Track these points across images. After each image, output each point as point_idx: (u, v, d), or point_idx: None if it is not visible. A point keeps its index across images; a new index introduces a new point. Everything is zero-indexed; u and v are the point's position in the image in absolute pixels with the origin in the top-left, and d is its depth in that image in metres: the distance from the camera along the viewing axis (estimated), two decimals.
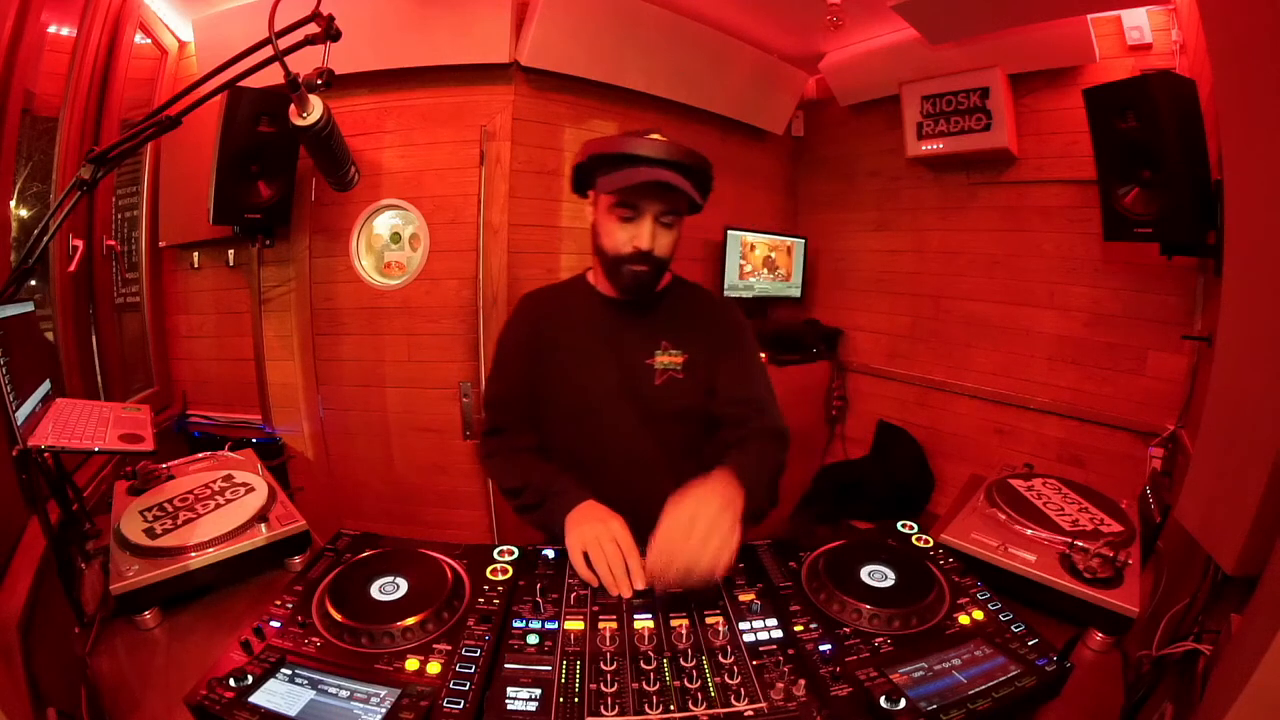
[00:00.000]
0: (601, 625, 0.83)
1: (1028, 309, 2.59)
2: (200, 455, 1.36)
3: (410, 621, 0.81)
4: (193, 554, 0.98)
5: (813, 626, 0.83)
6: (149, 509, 1.07)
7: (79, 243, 1.93)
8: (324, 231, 2.47)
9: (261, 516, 1.07)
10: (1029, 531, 1.06)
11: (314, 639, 0.79)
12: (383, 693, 0.69)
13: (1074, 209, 2.39)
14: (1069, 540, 1.00)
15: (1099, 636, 0.91)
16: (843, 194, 3.34)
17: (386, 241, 2.52)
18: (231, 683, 0.69)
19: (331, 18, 0.85)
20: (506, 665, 0.76)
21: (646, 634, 0.81)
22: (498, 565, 0.96)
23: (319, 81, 0.87)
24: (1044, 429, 2.56)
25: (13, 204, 1.70)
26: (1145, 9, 2.08)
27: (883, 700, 0.68)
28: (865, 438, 3.23)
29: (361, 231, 2.48)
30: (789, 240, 3.33)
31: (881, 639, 0.80)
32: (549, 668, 0.75)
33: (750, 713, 0.69)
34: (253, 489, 1.16)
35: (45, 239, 0.83)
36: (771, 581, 0.94)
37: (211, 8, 2.24)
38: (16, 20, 1.47)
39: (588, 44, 2.40)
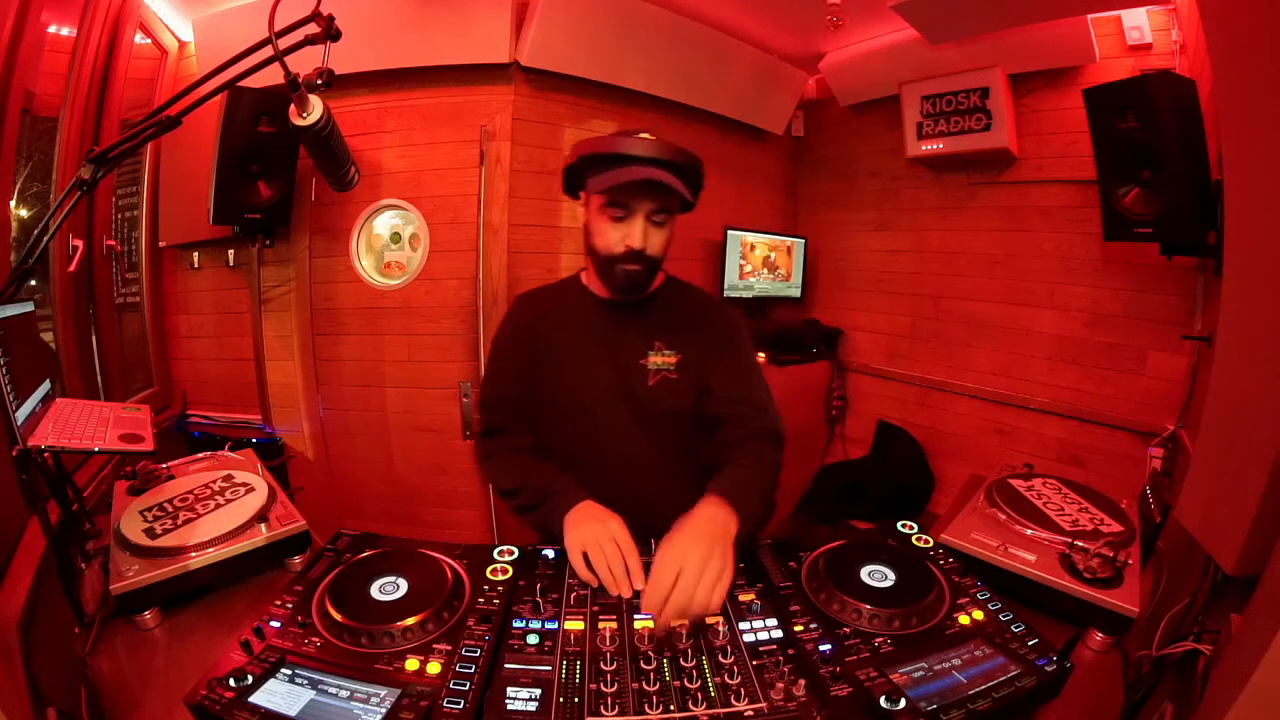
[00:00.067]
0: (601, 625, 0.83)
1: (1028, 309, 2.59)
2: (200, 455, 1.36)
3: (410, 621, 0.81)
4: (193, 554, 0.98)
5: (813, 626, 0.83)
6: (149, 509, 1.07)
7: (79, 243, 1.93)
8: (324, 231, 2.47)
9: (261, 516, 1.07)
10: (1029, 531, 1.06)
11: (314, 639, 0.79)
12: (383, 693, 0.69)
13: (1074, 209, 2.39)
14: (1069, 540, 1.00)
15: (1099, 636, 0.91)
16: (843, 194, 3.34)
17: (386, 241, 2.52)
18: (231, 683, 0.69)
19: (331, 18, 0.85)
20: (506, 665, 0.76)
21: (646, 634, 0.81)
22: (498, 565, 0.96)
23: (319, 81, 0.86)
24: (1044, 429, 2.56)
25: (13, 204, 1.70)
26: (1145, 9, 2.09)
27: (883, 700, 0.68)
28: (865, 438, 3.23)
29: (361, 231, 2.48)
30: (789, 240, 3.33)
31: (881, 639, 0.80)
32: (549, 668, 0.75)
33: (750, 713, 0.69)
34: (253, 489, 1.16)
35: (45, 239, 0.83)
36: (771, 581, 0.94)
37: (211, 8, 2.24)
38: (16, 20, 1.47)
39: (588, 44, 2.40)
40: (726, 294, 3.05)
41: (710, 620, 0.82)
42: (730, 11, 2.60)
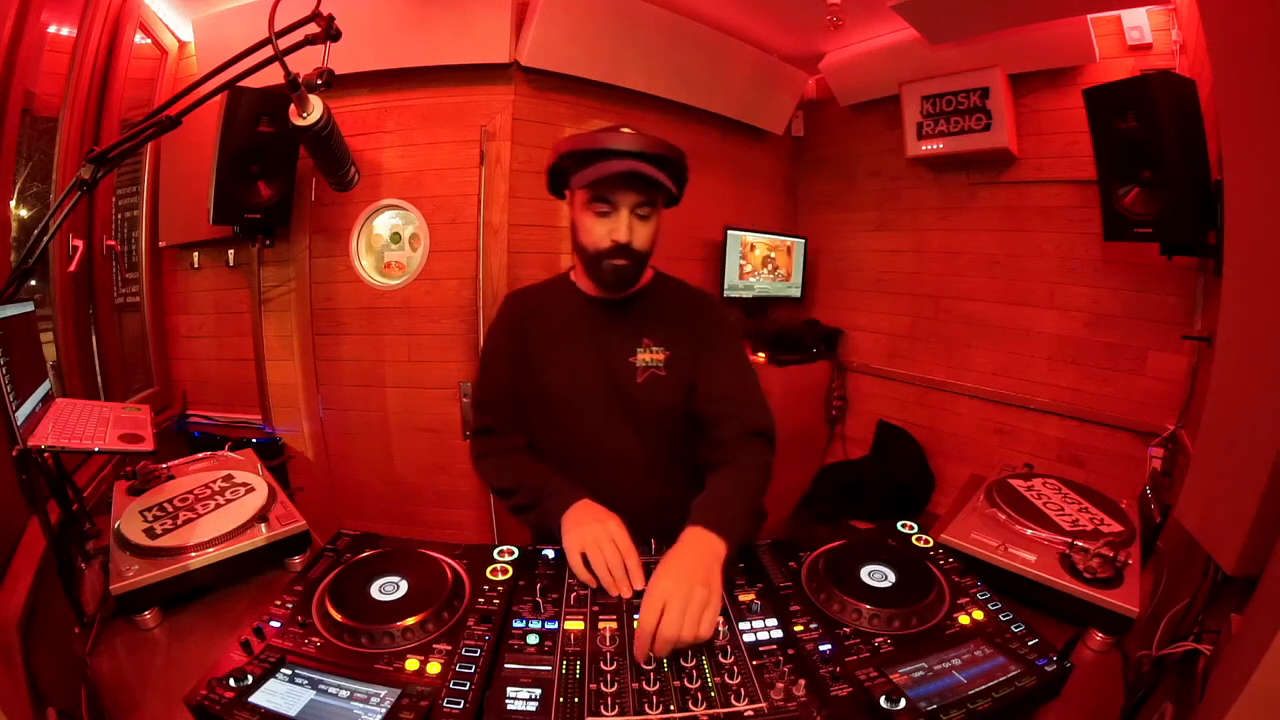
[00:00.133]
0: (601, 625, 0.83)
1: (1028, 309, 2.59)
2: (200, 455, 1.36)
3: (410, 621, 0.81)
4: (193, 554, 0.98)
5: (813, 626, 0.83)
6: (149, 509, 1.07)
7: (79, 243, 1.93)
8: (324, 231, 2.47)
9: (261, 516, 1.07)
10: (1029, 531, 1.06)
11: (314, 639, 0.79)
12: (383, 693, 0.69)
13: (1074, 209, 2.39)
14: (1069, 540, 1.00)
15: (1099, 636, 0.91)
16: (843, 194, 3.34)
17: (386, 241, 2.52)
18: (231, 683, 0.69)
19: (331, 18, 0.85)
20: (506, 665, 0.76)
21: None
22: (498, 565, 0.96)
23: (319, 81, 0.87)
24: (1044, 429, 2.55)
25: (13, 204, 1.70)
26: (1145, 9, 2.08)
27: (883, 700, 0.68)
28: (865, 438, 3.23)
29: (361, 231, 2.48)
30: (789, 240, 3.33)
31: (881, 639, 0.80)
32: (549, 668, 0.75)
33: (750, 713, 0.69)
34: (253, 489, 1.16)
35: (45, 239, 0.83)
36: (771, 581, 0.94)
37: (211, 8, 2.25)
38: (16, 20, 1.47)
39: (588, 44, 2.40)
40: (726, 294, 3.05)
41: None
42: (730, 11, 2.60)
